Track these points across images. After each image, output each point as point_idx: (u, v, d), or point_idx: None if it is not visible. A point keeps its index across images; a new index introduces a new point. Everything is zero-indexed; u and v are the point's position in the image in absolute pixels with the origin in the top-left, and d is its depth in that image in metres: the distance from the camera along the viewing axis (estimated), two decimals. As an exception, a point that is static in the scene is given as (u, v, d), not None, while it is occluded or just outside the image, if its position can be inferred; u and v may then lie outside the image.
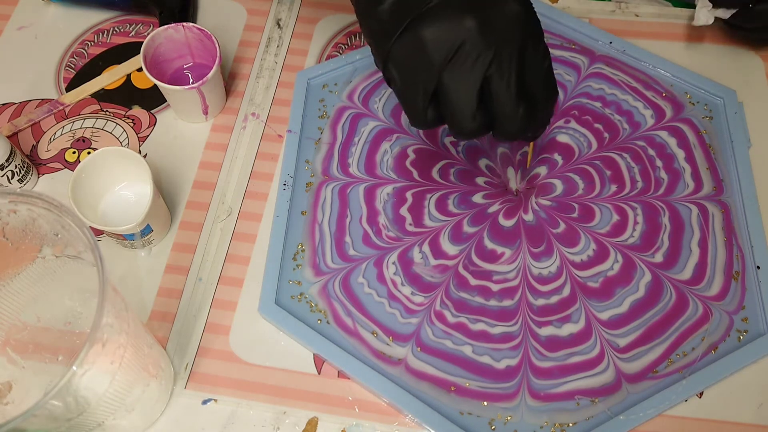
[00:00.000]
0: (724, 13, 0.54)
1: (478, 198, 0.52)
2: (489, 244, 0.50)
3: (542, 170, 0.53)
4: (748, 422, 0.44)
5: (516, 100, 0.37)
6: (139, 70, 0.60)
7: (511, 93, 0.37)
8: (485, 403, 0.45)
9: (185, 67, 0.58)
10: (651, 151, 0.54)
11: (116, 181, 0.51)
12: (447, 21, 0.36)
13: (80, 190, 0.48)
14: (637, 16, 0.61)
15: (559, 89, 0.44)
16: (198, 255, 0.51)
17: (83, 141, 0.56)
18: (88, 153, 0.54)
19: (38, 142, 0.56)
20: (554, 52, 0.58)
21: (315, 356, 0.47)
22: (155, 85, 0.52)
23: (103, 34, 0.62)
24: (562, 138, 0.55)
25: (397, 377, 0.46)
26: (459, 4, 0.36)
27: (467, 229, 0.51)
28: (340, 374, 0.46)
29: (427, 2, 0.36)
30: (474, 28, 0.35)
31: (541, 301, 0.48)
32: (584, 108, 0.56)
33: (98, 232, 0.50)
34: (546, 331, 0.47)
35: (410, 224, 0.51)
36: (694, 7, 0.56)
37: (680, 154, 0.54)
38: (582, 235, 0.50)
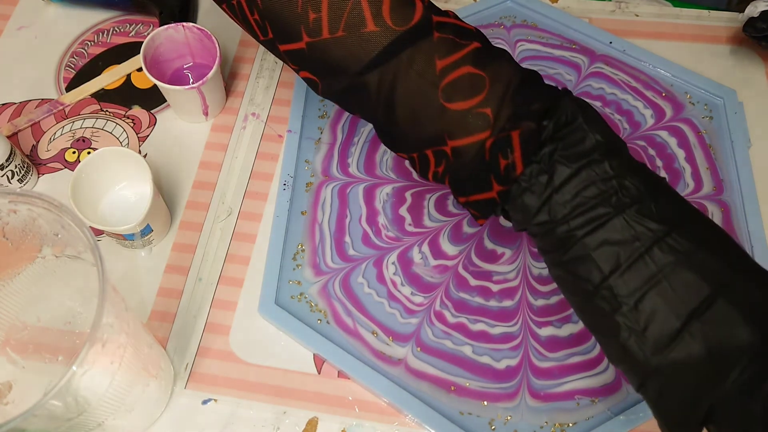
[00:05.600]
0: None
1: (478, 198, 0.52)
2: (489, 245, 0.50)
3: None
4: (748, 422, 0.44)
5: None
6: (139, 70, 0.60)
7: None
8: (485, 403, 0.45)
9: (185, 67, 0.58)
10: (651, 151, 0.54)
11: (116, 181, 0.51)
12: (725, 334, 0.30)
13: (80, 190, 0.48)
14: (637, 16, 0.61)
15: None
16: (198, 255, 0.51)
17: (83, 141, 0.56)
18: (88, 153, 0.54)
19: (38, 142, 0.56)
20: (554, 51, 0.58)
21: (315, 356, 0.47)
22: (155, 85, 0.52)
23: (103, 34, 0.62)
24: (562, 138, 0.55)
25: (397, 377, 0.46)
26: (733, 313, 0.30)
27: (467, 229, 0.51)
28: (340, 374, 0.46)
29: (699, 310, 0.31)
30: (758, 342, 0.30)
31: (541, 302, 0.48)
32: (584, 108, 0.56)
33: (98, 232, 0.50)
34: (546, 332, 0.47)
35: (410, 224, 0.51)
36: (694, 7, 0.56)
37: (680, 154, 0.54)
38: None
